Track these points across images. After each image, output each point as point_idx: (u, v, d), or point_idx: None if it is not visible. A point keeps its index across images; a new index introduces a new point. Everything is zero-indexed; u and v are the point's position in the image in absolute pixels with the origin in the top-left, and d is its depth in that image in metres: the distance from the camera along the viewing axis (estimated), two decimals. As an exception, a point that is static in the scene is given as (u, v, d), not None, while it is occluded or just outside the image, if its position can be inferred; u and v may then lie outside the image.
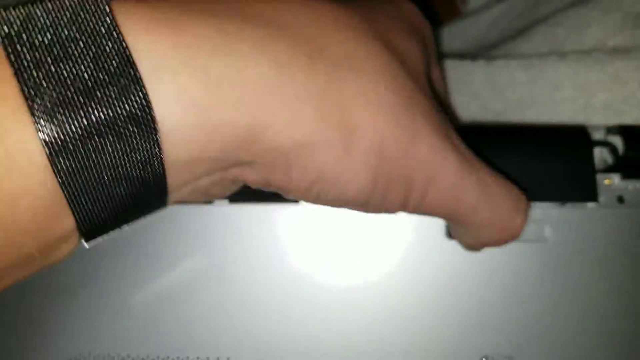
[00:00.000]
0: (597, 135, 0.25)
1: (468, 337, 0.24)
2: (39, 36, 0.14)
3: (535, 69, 0.29)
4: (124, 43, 0.14)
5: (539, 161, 0.23)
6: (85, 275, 0.24)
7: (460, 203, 0.19)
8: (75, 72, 0.14)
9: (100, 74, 0.14)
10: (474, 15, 0.44)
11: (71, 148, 0.14)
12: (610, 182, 0.24)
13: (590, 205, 0.23)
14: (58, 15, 0.14)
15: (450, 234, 0.23)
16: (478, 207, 0.19)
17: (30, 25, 0.14)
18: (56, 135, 0.14)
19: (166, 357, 0.24)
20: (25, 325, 0.24)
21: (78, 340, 0.24)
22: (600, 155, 0.25)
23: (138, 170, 0.15)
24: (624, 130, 0.24)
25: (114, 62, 0.14)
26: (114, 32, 0.14)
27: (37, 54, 0.14)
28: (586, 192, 0.23)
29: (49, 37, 0.14)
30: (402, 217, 0.24)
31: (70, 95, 0.14)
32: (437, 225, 0.24)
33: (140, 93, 0.14)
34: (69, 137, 0.14)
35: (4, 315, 0.24)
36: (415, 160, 0.18)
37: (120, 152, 0.15)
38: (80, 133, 0.14)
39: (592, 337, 0.23)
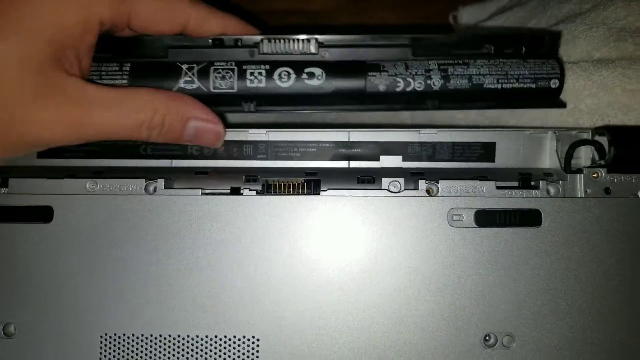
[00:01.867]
0: (585, 136, 0.28)
1: (471, 316, 0.26)
2: None
3: (529, 77, 0.32)
4: None
5: None
6: (117, 259, 0.26)
7: None
8: None
9: None
10: (466, 28, 0.46)
11: None
12: (598, 175, 0.27)
13: (580, 196, 0.26)
14: None
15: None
16: None
17: None
18: None
19: (196, 337, 0.26)
20: (61, 305, 0.26)
21: (109, 320, 0.26)
22: (589, 153, 0.28)
23: None
24: (609, 131, 0.27)
25: None
26: None
27: None
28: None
29: None
30: (410, 207, 0.26)
31: None
32: (442, 214, 0.26)
33: None
34: None
35: (40, 296, 0.26)
36: None
37: None
38: None
39: (584, 313, 0.26)
